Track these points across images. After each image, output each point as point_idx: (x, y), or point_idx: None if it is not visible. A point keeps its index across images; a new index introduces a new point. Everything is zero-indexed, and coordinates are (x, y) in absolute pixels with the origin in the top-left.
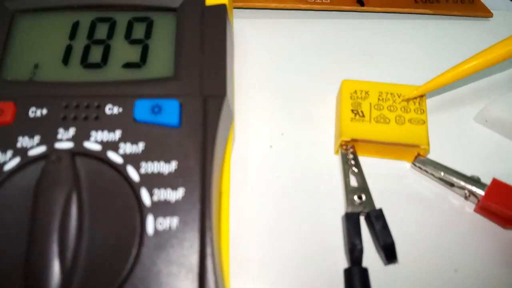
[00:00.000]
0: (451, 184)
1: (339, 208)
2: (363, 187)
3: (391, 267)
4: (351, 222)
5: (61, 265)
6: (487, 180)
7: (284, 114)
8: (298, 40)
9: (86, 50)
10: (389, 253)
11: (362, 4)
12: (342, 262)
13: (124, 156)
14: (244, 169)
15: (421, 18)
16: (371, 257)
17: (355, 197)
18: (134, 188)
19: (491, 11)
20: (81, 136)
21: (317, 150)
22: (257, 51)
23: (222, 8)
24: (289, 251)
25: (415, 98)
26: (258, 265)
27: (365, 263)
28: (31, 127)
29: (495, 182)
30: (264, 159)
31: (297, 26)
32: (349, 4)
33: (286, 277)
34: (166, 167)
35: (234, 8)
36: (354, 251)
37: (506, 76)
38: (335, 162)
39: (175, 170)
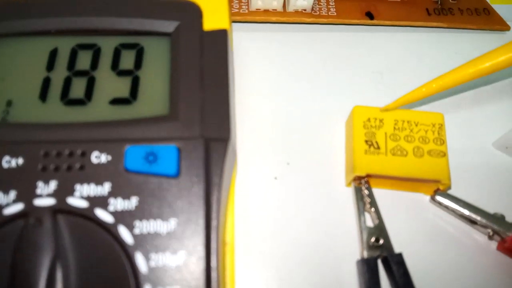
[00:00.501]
0: (473, 222)
1: (352, 248)
2: (380, 228)
3: None
4: (368, 269)
5: None
6: (511, 217)
7: (289, 141)
8: (302, 57)
9: (67, 84)
10: None
11: (372, 17)
12: None
13: (115, 214)
14: (246, 203)
15: (434, 32)
16: None
17: (372, 240)
18: (127, 252)
19: (508, 24)
20: (64, 191)
21: (327, 182)
22: (258, 70)
23: (222, 34)
24: None
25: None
26: None
27: None
28: (5, 181)
29: None
30: (268, 192)
31: (300, 41)
32: (358, 17)
33: None
34: (164, 226)
35: (232, 22)
36: None
37: None
38: (347, 195)
39: (175, 229)
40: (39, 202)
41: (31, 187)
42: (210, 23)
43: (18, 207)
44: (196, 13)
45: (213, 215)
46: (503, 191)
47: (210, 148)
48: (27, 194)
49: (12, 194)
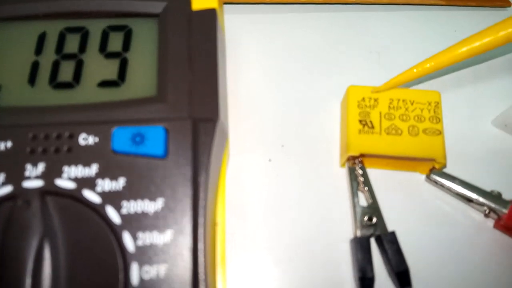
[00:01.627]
0: (469, 200)
1: (346, 228)
2: (373, 207)
3: None
4: (361, 248)
5: None
6: (508, 195)
7: (283, 123)
8: (297, 38)
9: (55, 67)
10: (403, 281)
11: None
12: None
13: (103, 194)
14: (240, 186)
15: (432, 9)
16: (382, 283)
17: (365, 219)
18: (115, 232)
19: (509, 0)
20: (52, 173)
21: (321, 163)
22: (251, 52)
23: (211, 13)
24: (291, 278)
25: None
26: None
27: None
28: None
29: None
30: (262, 174)
31: (295, 22)
32: None
33: None
34: (151, 206)
35: (224, 3)
36: (365, 280)
37: None
38: (341, 175)
39: (162, 208)
40: (27, 184)
41: (20, 169)
42: (198, 2)
43: (7, 189)
44: None
45: (201, 195)
46: (502, 169)
47: (198, 129)
48: (15, 177)
49: (1, 177)
